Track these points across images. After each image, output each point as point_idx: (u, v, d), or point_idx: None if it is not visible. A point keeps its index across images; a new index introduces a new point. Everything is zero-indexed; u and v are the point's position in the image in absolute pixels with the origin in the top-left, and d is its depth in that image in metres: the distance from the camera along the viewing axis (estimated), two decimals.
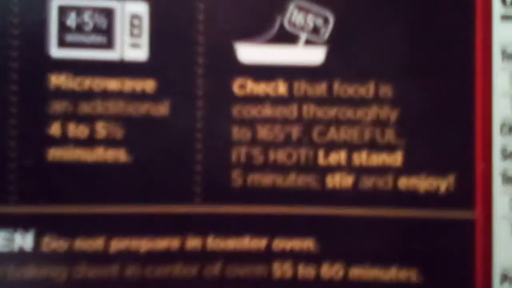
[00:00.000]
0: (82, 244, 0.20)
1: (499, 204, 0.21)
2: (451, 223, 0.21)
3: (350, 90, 0.21)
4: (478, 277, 0.21)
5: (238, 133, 0.21)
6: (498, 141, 0.21)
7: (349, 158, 0.21)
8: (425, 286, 0.21)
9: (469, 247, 0.21)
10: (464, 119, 0.21)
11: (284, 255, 0.21)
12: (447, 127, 0.21)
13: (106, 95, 0.20)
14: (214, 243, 0.21)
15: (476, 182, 0.21)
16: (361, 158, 0.21)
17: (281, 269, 0.21)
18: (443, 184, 0.21)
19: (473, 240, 0.21)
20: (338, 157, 0.21)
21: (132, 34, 0.20)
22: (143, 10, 0.21)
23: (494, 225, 0.21)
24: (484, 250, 0.21)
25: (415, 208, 0.21)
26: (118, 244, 0.20)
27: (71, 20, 0.20)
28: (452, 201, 0.21)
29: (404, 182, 0.21)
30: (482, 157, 0.21)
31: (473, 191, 0.21)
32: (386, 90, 0.21)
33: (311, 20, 0.21)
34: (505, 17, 0.21)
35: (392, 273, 0.21)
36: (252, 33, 0.21)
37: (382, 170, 0.21)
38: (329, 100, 0.21)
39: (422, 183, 0.21)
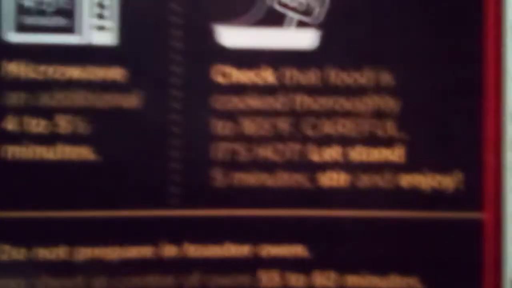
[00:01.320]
0: (43, 253, 0.18)
1: (510, 203, 0.19)
2: (458, 225, 0.19)
3: (346, 78, 0.19)
4: (487, 284, 0.19)
5: (219, 126, 0.19)
6: (510, 132, 0.19)
7: (345, 154, 0.19)
8: None
9: (477, 251, 0.19)
10: (472, 110, 0.19)
11: (271, 263, 0.19)
12: (453, 119, 0.19)
13: (69, 85, 0.19)
14: (192, 250, 0.19)
15: (485, 179, 0.19)
16: (359, 154, 0.19)
17: (268, 278, 0.19)
18: (450, 182, 0.19)
19: (481, 243, 0.19)
20: (333, 153, 0.19)
21: (99, 16, 0.18)
22: None
23: (504, 226, 0.19)
24: (494, 254, 0.19)
25: (419, 209, 0.19)
26: (83, 253, 0.19)
27: (30, 1, 0.18)
28: (459, 201, 0.19)
29: (406, 180, 0.19)
30: (493, 151, 0.19)
31: (482, 189, 0.19)
32: (386, 78, 0.19)
33: None
34: None
35: (392, 282, 0.19)
36: (236, 14, 0.19)
37: (382, 167, 0.19)
38: (323, 89, 0.19)
39: (427, 181, 0.19)
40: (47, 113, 0.18)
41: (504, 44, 0.19)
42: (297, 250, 0.19)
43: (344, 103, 0.19)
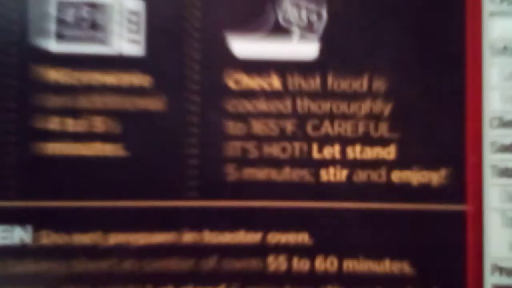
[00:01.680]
0: (80, 238, 0.20)
1: (490, 196, 0.21)
2: (443, 216, 0.21)
3: (343, 84, 0.21)
4: (470, 268, 0.21)
5: (232, 127, 0.21)
6: (489, 134, 0.21)
7: (343, 151, 0.21)
8: (418, 278, 0.21)
9: (461, 239, 0.21)
10: (455, 113, 0.21)
11: (278, 249, 0.21)
12: (439, 121, 0.21)
13: (103, 90, 0.21)
14: (209, 237, 0.21)
15: (467, 175, 0.21)
16: (355, 151, 0.21)
17: (276, 263, 0.21)
18: (436, 177, 0.21)
19: (464, 232, 0.21)
20: (332, 150, 0.21)
21: (129, 30, 0.21)
22: (140, 6, 0.21)
23: (485, 217, 0.21)
24: (476, 241, 0.21)
25: (408, 201, 0.21)
26: (115, 238, 0.20)
27: (70, 16, 0.21)
28: (444, 194, 0.21)
29: (397, 176, 0.21)
30: (473, 151, 0.21)
31: (464, 184, 0.21)
32: (379, 85, 0.21)
33: (305, 16, 0.21)
34: (494, 14, 0.22)
35: (385, 266, 0.21)
36: (247, 29, 0.21)
37: (375, 164, 0.21)
38: (323, 94, 0.21)
39: (415, 177, 0.21)
40: (84, 114, 0.20)
41: (483, 56, 0.21)
42: (302, 238, 0.21)
43: (342, 106, 0.21)
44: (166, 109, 0.21)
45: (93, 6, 0.20)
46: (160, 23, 0.21)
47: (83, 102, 0.21)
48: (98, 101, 0.21)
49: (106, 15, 0.21)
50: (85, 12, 0.20)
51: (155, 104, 0.21)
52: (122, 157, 0.20)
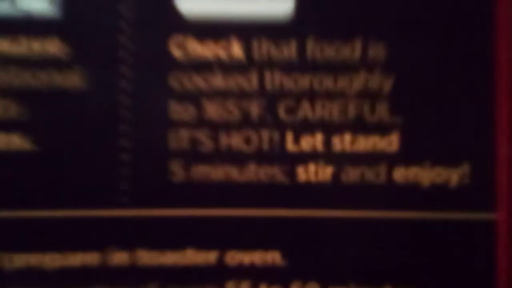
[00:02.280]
0: None
1: None
2: (465, 228, 0.17)
3: (328, 51, 0.17)
4: None
5: (178, 110, 0.17)
6: None
7: (328, 142, 0.17)
8: None
9: (489, 258, 0.17)
10: (480, 89, 0.17)
11: (241, 273, 0.17)
12: (457, 101, 0.17)
13: (6, 61, 0.16)
14: (147, 258, 0.17)
15: (497, 173, 0.17)
16: (344, 142, 0.17)
17: None
18: (455, 175, 0.17)
19: (494, 247, 0.17)
20: (313, 141, 0.17)
21: None
22: None
23: None
24: (508, 258, 0.17)
25: (416, 209, 0.17)
26: (18, 261, 0.16)
27: None
28: (466, 198, 0.17)
29: (401, 174, 0.17)
30: (505, 141, 0.17)
31: (493, 184, 0.17)
32: (377, 51, 0.17)
33: None
34: None
35: None
36: None
37: (372, 158, 0.17)
38: (300, 65, 0.17)
39: (426, 175, 0.17)
40: None
41: None
42: (272, 257, 0.17)
43: (326, 82, 0.17)
44: (89, 87, 0.17)
45: None
46: None
47: None
48: None
49: None
50: None
51: (71, 80, 0.16)
52: (29, 152, 0.16)
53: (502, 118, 0.17)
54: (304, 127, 0.17)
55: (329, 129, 0.17)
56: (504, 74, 0.17)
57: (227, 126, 0.17)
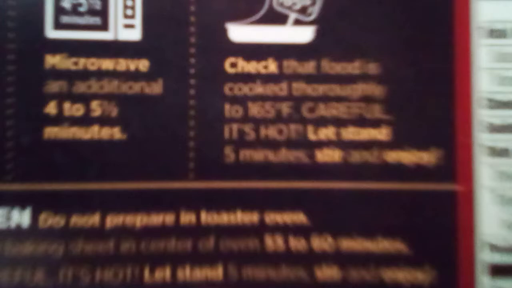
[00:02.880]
0: (78, 220, 0.21)
1: (481, 175, 0.22)
2: (435, 195, 0.22)
3: (338, 67, 0.22)
4: (462, 246, 0.22)
5: (230, 110, 0.21)
6: (478, 115, 0.22)
7: (338, 133, 0.22)
8: (411, 255, 0.22)
9: (453, 218, 0.22)
10: (445, 94, 0.22)
11: (275, 228, 0.21)
12: (430, 103, 0.22)
13: (101, 74, 0.21)
14: (207, 217, 0.21)
15: (458, 154, 0.22)
16: (349, 133, 0.22)
17: (273, 242, 0.21)
18: (428, 157, 0.22)
19: (456, 210, 0.22)
20: (327, 132, 0.22)
21: (125, 15, 0.21)
22: None
23: (476, 196, 0.22)
24: (467, 220, 0.22)
25: (402, 181, 0.22)
26: (113, 220, 0.21)
27: (67, 2, 0.21)
28: (436, 174, 0.22)
29: (391, 156, 0.22)
30: (463, 131, 0.22)
31: (455, 163, 0.22)
32: (372, 68, 0.22)
33: (299, 0, 0.22)
34: None
35: (379, 244, 0.22)
36: (243, 13, 0.21)
37: (369, 145, 0.22)
38: (318, 77, 0.22)
39: (408, 157, 0.22)
40: (83, 99, 0.21)
41: (472, 38, 0.22)
42: (298, 217, 0.21)
43: (337, 90, 0.22)
44: (164, 93, 0.21)
45: None
46: (156, 7, 0.21)
47: (82, 86, 0.21)
48: (96, 85, 0.21)
49: (102, 0, 0.21)
50: None
51: (152, 88, 0.21)
52: (119, 140, 0.21)
53: (462, 117, 0.22)
54: (321, 122, 0.22)
55: (339, 123, 0.22)
56: (463, 87, 0.22)
57: (265, 121, 0.21)
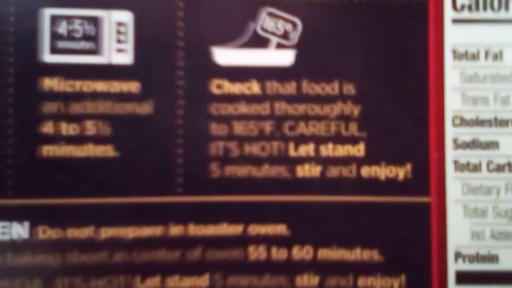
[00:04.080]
0: (74, 233, 0.22)
1: (452, 189, 0.23)
2: (409, 207, 0.23)
3: (317, 88, 0.23)
4: (435, 255, 0.23)
5: (216, 129, 0.23)
6: (450, 132, 0.23)
7: (317, 150, 0.23)
8: (387, 264, 0.23)
9: (426, 229, 0.23)
10: (419, 113, 0.23)
11: (258, 240, 0.23)
12: (404, 121, 0.23)
13: (94, 96, 0.22)
14: (194, 230, 0.22)
15: (431, 169, 0.23)
16: (328, 149, 0.23)
17: (256, 252, 0.23)
18: (402, 172, 0.23)
19: (429, 222, 0.23)
20: (307, 149, 0.23)
21: (118, 41, 0.22)
22: (128, 18, 0.22)
23: (448, 208, 0.23)
24: (439, 230, 0.23)
25: (377, 194, 0.23)
26: (106, 232, 0.22)
27: (62, 29, 0.22)
28: (409, 187, 0.23)
29: (366, 171, 0.23)
30: (436, 147, 0.23)
31: (428, 178, 0.23)
32: (349, 88, 0.23)
33: (281, 26, 0.23)
34: (456, 21, 0.23)
35: (357, 254, 0.23)
36: (228, 38, 0.23)
37: (346, 160, 0.23)
38: (299, 97, 0.23)
39: (383, 171, 0.23)
40: (77, 119, 0.22)
41: (445, 60, 0.23)
42: (280, 229, 0.23)
43: (316, 109, 0.23)
44: (154, 113, 0.22)
45: (84, 18, 0.22)
46: (147, 33, 0.23)
47: (76, 107, 0.22)
48: (90, 106, 0.22)
49: (96, 27, 0.22)
50: (76, 25, 0.22)
51: (143, 108, 0.22)
52: (112, 158, 0.22)
53: (433, 134, 0.23)
54: (301, 139, 0.23)
55: (318, 140, 0.23)
56: (435, 106, 0.23)
57: (249, 139, 0.23)
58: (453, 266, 0.23)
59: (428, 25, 0.23)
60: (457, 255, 0.23)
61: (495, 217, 0.23)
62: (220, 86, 0.23)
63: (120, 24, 0.22)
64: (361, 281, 0.23)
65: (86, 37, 0.22)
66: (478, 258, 0.23)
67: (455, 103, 0.23)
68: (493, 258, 0.23)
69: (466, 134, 0.23)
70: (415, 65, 0.23)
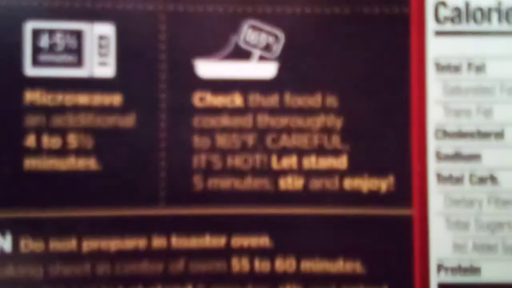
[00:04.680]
0: (57, 245, 0.22)
1: (434, 201, 0.23)
2: (391, 219, 0.23)
3: (299, 101, 0.23)
4: (417, 267, 0.23)
5: (198, 141, 0.23)
6: (433, 144, 0.23)
7: (300, 162, 0.23)
8: (369, 276, 0.23)
9: (408, 241, 0.23)
10: (401, 125, 0.23)
11: (241, 252, 0.23)
12: (386, 133, 0.23)
13: (77, 109, 0.22)
14: (177, 242, 0.23)
15: (413, 182, 0.23)
16: (311, 162, 0.23)
17: (239, 264, 0.23)
18: (384, 184, 0.23)
19: (411, 234, 0.23)
20: (290, 161, 0.23)
21: (100, 54, 0.22)
22: (110, 31, 0.23)
23: (430, 221, 0.23)
24: (421, 242, 0.23)
25: (359, 207, 0.23)
26: (89, 245, 0.22)
27: (44, 42, 0.22)
28: (392, 200, 0.23)
29: (349, 183, 0.23)
30: (418, 159, 0.23)
31: (410, 190, 0.23)
32: (332, 101, 0.23)
33: (263, 38, 0.23)
34: (438, 33, 0.24)
35: (339, 265, 0.23)
36: (210, 51, 0.23)
37: (329, 173, 0.23)
38: (281, 110, 0.23)
39: (365, 184, 0.23)
40: (59, 132, 0.22)
41: (427, 72, 0.23)
42: (263, 241, 0.23)
43: (298, 121, 0.23)
44: (136, 126, 0.23)
45: (66, 32, 0.22)
46: (129, 46, 0.23)
47: (58, 120, 0.22)
48: (72, 119, 0.22)
49: (78, 40, 0.22)
50: (58, 38, 0.22)
51: (125, 121, 0.23)
52: (95, 171, 0.22)
53: (416, 147, 0.23)
54: (284, 152, 0.23)
55: (301, 153, 0.23)
56: (417, 119, 0.23)
57: (232, 152, 0.23)
58: (435, 278, 0.23)
59: (410, 37, 0.23)
60: (440, 267, 0.23)
61: (477, 229, 0.23)
62: (203, 99, 0.23)
63: (102, 37, 0.22)
64: None
65: (68, 50, 0.22)
66: (460, 270, 0.23)
67: (437, 116, 0.23)
68: (475, 271, 0.23)
69: (449, 146, 0.23)
70: (398, 78, 0.23)
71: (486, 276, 0.23)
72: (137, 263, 0.22)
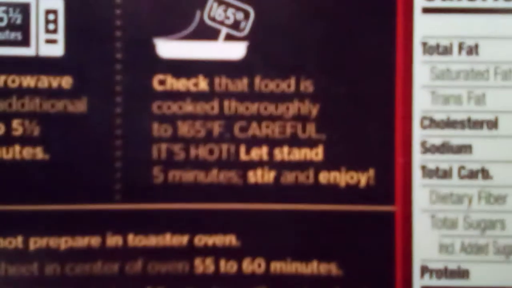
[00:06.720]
0: (0, 242, 0.20)
1: (419, 197, 0.21)
2: (372, 217, 0.21)
3: (271, 85, 0.21)
4: (399, 269, 0.21)
5: (158, 129, 0.21)
6: (418, 134, 0.21)
7: (271, 153, 0.21)
8: (346, 279, 0.21)
9: (389, 240, 0.21)
10: (384, 113, 0.21)
11: (205, 251, 0.21)
12: (367, 122, 0.21)
13: (22, 92, 0.20)
14: (134, 240, 0.21)
15: (396, 175, 0.21)
16: (283, 153, 0.21)
17: (203, 265, 0.21)
18: (364, 178, 0.21)
19: (393, 233, 0.21)
20: (260, 152, 0.21)
21: (47, 30, 0.20)
22: (58, 5, 0.20)
23: (414, 218, 0.21)
24: (404, 242, 0.21)
25: (336, 203, 0.21)
26: (36, 243, 0.20)
27: None
28: (372, 195, 0.21)
29: (325, 177, 0.21)
30: (402, 151, 0.21)
31: (393, 184, 0.21)
32: (307, 85, 0.21)
33: (231, 14, 0.21)
34: (426, 10, 0.21)
35: (313, 267, 0.21)
36: (171, 28, 0.21)
37: (303, 165, 0.21)
38: (250, 95, 0.21)
39: (343, 178, 0.21)
40: (3, 118, 0.20)
41: (414, 54, 0.21)
42: (229, 240, 0.21)
43: (269, 108, 0.21)
44: (88, 111, 0.21)
45: (9, 5, 0.20)
46: (80, 22, 0.20)
47: (1, 105, 0.20)
48: (17, 104, 0.20)
49: (22, 14, 0.20)
50: (0, 12, 0.20)
51: (76, 106, 0.21)
52: (42, 161, 0.20)
53: (399, 138, 0.21)
54: (253, 142, 0.21)
55: (272, 143, 0.21)
56: (402, 106, 0.21)
57: (195, 141, 0.21)
58: (418, 282, 0.21)
59: (396, 15, 0.21)
60: (424, 270, 0.21)
61: (467, 228, 0.21)
62: (163, 82, 0.21)
63: (49, 11, 0.20)
64: None
65: (11, 26, 0.20)
66: (446, 273, 0.21)
67: (424, 103, 0.21)
68: (463, 274, 0.21)
69: (436, 136, 0.21)
70: (380, 60, 0.21)
71: (475, 280, 0.21)
72: (90, 263, 0.21)
